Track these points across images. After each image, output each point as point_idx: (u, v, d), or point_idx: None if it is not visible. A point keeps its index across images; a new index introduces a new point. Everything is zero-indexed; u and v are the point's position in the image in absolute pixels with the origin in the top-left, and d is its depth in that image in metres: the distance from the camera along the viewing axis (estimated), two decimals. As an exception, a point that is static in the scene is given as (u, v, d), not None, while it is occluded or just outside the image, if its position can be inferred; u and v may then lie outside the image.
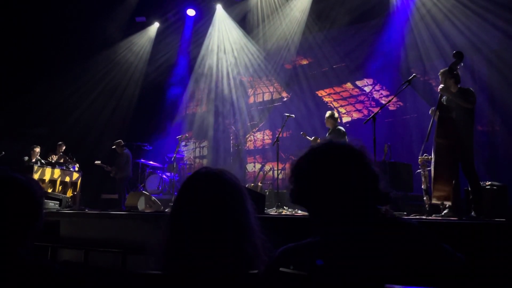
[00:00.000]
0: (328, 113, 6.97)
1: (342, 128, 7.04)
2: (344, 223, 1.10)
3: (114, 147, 9.06)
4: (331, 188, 1.11)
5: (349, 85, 9.83)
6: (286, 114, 7.30)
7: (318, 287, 0.93)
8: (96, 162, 9.04)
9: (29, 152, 8.68)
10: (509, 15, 7.06)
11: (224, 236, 1.16)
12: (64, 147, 9.23)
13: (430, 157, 4.77)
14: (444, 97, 4.73)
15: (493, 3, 7.20)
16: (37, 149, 8.74)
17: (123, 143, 9.11)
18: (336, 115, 7.02)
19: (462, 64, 4.61)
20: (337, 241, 1.07)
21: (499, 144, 7.39)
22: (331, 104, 9.95)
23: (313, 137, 7.33)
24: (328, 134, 6.84)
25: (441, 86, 4.58)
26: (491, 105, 7.46)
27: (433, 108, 4.85)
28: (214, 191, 1.21)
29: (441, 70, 4.77)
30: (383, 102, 8.42)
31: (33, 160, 8.61)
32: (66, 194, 8.16)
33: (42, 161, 8.72)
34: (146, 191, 8.37)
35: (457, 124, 4.45)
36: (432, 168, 4.60)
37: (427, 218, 4.35)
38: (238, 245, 1.16)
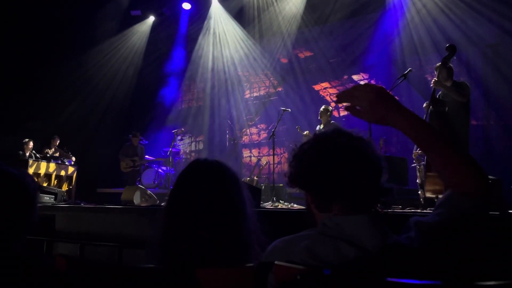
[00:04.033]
0: (323, 107, 7.02)
1: (335, 123, 7.11)
2: (343, 211, 1.10)
3: (134, 138, 9.02)
4: (331, 173, 1.10)
5: (345, 79, 9.84)
6: (282, 108, 7.32)
7: (313, 281, 0.93)
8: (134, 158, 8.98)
9: (23, 146, 8.63)
10: (505, 9, 7.07)
11: (223, 224, 1.16)
12: (58, 141, 9.17)
13: (425, 151, 4.78)
14: (440, 92, 4.74)
15: (489, -3, 7.21)
16: (31, 143, 8.68)
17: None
18: (331, 109, 7.07)
19: (455, 57, 4.61)
20: (329, 234, 1.07)
21: (493, 138, 7.43)
22: (328, 98, 9.96)
23: (305, 132, 7.38)
24: (323, 129, 6.87)
25: (434, 80, 4.58)
26: (486, 100, 7.50)
27: (427, 102, 4.86)
28: (215, 179, 1.21)
29: (436, 65, 4.78)
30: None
31: (27, 154, 8.55)
32: (61, 188, 8.13)
33: (37, 155, 8.68)
34: (141, 185, 8.34)
35: (451, 118, 4.45)
36: (425, 162, 4.61)
37: (422, 211, 4.37)
38: (235, 232, 1.17)
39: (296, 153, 1.19)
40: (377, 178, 1.12)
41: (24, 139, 8.69)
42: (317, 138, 1.18)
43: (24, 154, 8.56)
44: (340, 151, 1.11)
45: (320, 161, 1.12)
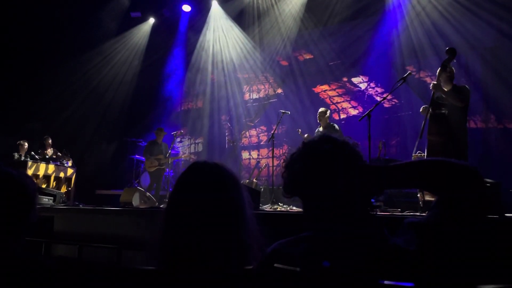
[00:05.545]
0: (321, 110, 7.03)
1: (335, 124, 7.10)
2: (332, 219, 1.11)
3: (159, 135, 8.68)
4: (320, 180, 1.12)
5: (344, 82, 9.85)
6: (282, 110, 7.32)
7: (311, 283, 0.94)
8: (159, 156, 8.66)
9: (18, 147, 8.59)
10: (503, 12, 7.09)
11: (222, 226, 1.16)
12: (50, 140, 9.09)
13: (423, 154, 4.79)
14: (437, 95, 4.74)
15: (488, 0, 7.23)
16: (25, 144, 8.66)
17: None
18: (329, 112, 7.08)
19: (454, 60, 4.61)
20: (326, 237, 1.08)
21: (492, 141, 7.44)
22: (328, 101, 9.97)
23: (306, 135, 7.41)
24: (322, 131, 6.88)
25: (433, 83, 4.58)
26: (485, 103, 7.51)
27: (424, 106, 4.85)
28: (214, 181, 1.21)
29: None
30: (378, 99, 8.45)
31: (23, 155, 8.52)
32: (60, 190, 8.12)
33: (36, 156, 8.66)
34: (140, 187, 8.33)
35: (450, 121, 4.45)
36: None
37: (421, 214, 4.37)
38: (235, 234, 1.17)
39: (287, 162, 1.21)
40: (363, 178, 1.12)
41: (22, 140, 8.67)
42: (304, 145, 1.21)
43: (20, 155, 8.54)
44: (325, 158, 1.13)
45: (307, 169, 1.14)
